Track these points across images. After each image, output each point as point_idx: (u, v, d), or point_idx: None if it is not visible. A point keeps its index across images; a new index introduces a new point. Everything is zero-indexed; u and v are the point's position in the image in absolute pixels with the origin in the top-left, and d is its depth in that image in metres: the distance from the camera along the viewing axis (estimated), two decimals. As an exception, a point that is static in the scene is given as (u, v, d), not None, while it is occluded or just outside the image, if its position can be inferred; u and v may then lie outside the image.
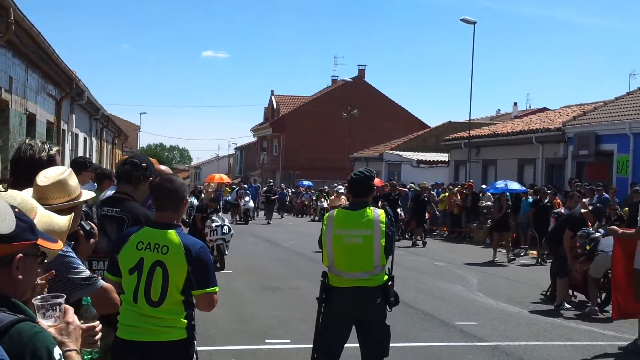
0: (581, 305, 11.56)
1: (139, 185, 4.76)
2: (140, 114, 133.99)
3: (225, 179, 41.75)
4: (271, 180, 44.79)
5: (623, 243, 9.16)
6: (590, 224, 11.87)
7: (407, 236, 24.55)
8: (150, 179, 4.73)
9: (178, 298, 3.95)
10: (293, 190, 45.50)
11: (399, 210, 23.72)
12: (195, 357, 4.10)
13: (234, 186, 37.25)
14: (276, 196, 37.49)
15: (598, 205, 11.68)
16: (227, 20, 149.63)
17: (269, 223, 32.79)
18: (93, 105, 23.31)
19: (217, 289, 4.04)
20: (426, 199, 24.35)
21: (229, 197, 35.48)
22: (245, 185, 38.23)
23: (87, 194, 3.53)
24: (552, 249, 12.23)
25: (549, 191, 19.74)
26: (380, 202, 20.78)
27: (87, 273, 3.46)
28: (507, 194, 20.46)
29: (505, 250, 18.98)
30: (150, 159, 5.18)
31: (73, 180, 3.40)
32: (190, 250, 3.96)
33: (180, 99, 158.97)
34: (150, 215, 4.46)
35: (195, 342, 4.10)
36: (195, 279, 3.95)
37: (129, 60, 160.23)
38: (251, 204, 34.14)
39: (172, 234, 4.00)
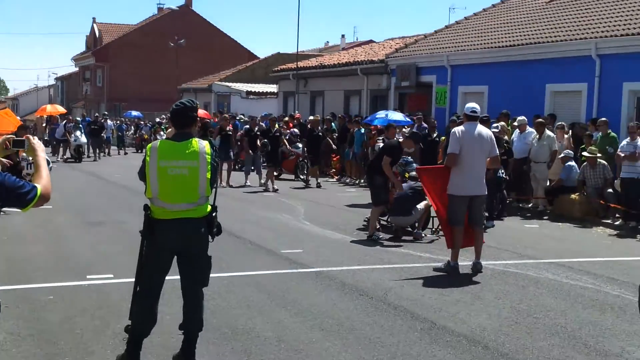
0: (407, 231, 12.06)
1: None
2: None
3: (60, 109, 38.61)
4: (106, 112, 41.79)
5: (429, 177, 9.64)
6: (408, 150, 12.39)
7: (301, 177, 21.65)
8: None
9: None
10: (118, 122, 42.96)
11: (299, 145, 22.20)
12: None
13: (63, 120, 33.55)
14: (105, 129, 33.23)
15: (414, 130, 12.16)
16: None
17: (96, 160, 30.44)
18: None
19: (39, 189, 3.80)
20: (321, 134, 21.78)
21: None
22: (79, 119, 34.33)
23: None
24: (369, 178, 12.42)
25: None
26: (259, 140, 20.41)
27: None
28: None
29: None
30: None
31: None
32: None
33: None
34: None
35: None
36: (15, 204, 3.78)
37: None
38: (83, 139, 30.52)
39: None
